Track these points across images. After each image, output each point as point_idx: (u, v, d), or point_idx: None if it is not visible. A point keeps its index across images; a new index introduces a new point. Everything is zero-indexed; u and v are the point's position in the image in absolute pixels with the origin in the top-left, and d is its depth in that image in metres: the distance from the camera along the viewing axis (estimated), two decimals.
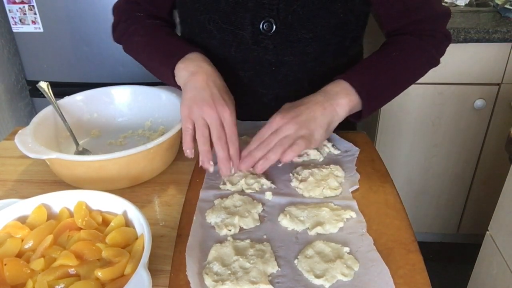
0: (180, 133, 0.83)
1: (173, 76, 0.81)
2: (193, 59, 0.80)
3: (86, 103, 0.92)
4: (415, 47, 0.84)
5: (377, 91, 0.80)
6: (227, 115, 0.73)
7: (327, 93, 0.77)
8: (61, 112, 0.85)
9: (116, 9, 0.94)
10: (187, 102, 0.74)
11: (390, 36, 0.88)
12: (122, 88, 0.94)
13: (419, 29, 0.84)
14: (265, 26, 0.82)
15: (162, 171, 0.82)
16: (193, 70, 0.77)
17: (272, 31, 0.83)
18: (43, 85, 0.87)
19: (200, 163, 0.73)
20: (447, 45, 0.87)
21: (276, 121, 0.74)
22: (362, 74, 0.80)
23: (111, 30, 0.94)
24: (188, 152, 0.74)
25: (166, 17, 0.94)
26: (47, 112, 0.85)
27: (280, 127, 0.73)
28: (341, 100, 0.76)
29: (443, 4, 0.87)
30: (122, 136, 0.92)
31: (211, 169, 0.74)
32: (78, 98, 0.91)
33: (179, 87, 0.82)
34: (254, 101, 0.93)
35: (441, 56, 0.87)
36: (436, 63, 0.87)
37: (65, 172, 0.76)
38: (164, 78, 0.85)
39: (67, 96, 0.90)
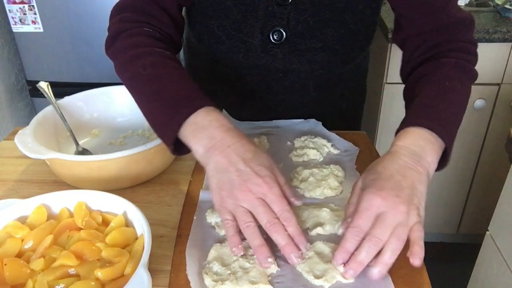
0: None
1: (175, 137, 0.65)
2: (203, 126, 0.63)
3: (86, 103, 0.92)
4: (459, 67, 0.75)
5: (453, 127, 0.69)
6: (267, 191, 0.58)
7: (411, 150, 0.63)
8: (61, 112, 0.85)
9: (116, 12, 0.78)
10: (216, 191, 0.61)
11: (416, 64, 0.79)
12: (122, 88, 0.93)
13: (444, 40, 0.77)
14: (275, 35, 0.81)
15: (162, 171, 0.82)
16: (207, 145, 0.62)
17: (282, 40, 0.81)
18: (43, 85, 0.87)
19: (259, 263, 0.59)
20: (477, 53, 0.79)
21: (376, 205, 0.57)
22: (433, 114, 0.67)
23: (107, 41, 0.77)
24: (236, 250, 0.60)
25: (174, 30, 0.80)
26: (47, 112, 0.85)
27: (384, 212, 0.57)
28: (429, 157, 0.63)
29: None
30: (122, 136, 0.92)
31: (273, 267, 0.59)
32: (78, 98, 0.91)
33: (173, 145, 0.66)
34: (260, 105, 0.93)
35: (475, 67, 0.79)
36: (476, 77, 0.79)
37: (65, 172, 0.76)
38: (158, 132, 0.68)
39: (67, 96, 0.90)
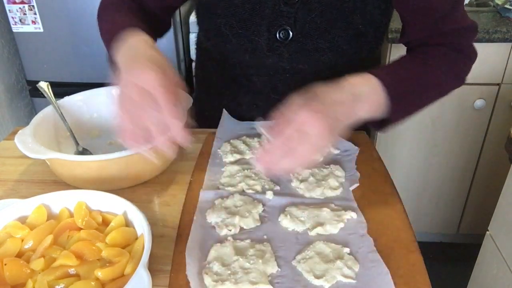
0: None
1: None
2: (126, 40, 0.69)
3: (86, 103, 0.92)
4: (447, 58, 0.77)
5: (408, 98, 0.71)
6: (140, 75, 0.59)
7: (354, 93, 0.66)
8: (61, 112, 0.85)
9: None
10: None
11: (413, 47, 0.83)
12: None
13: (447, 42, 0.78)
14: (282, 34, 0.81)
15: (162, 171, 0.82)
16: (125, 53, 0.67)
17: (288, 39, 0.81)
18: (43, 85, 0.87)
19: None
20: (473, 64, 0.81)
21: (303, 118, 0.61)
22: (395, 75, 0.70)
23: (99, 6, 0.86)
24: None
25: (159, 12, 0.87)
26: (47, 112, 0.85)
27: (305, 125, 0.60)
28: (365, 104, 0.66)
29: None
30: None
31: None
32: (78, 98, 0.91)
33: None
34: (265, 105, 0.93)
35: (466, 75, 0.81)
36: (462, 82, 0.80)
37: (65, 172, 0.76)
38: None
39: (67, 96, 0.90)
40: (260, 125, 0.67)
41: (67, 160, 0.72)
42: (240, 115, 0.94)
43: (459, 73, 0.80)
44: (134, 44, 0.67)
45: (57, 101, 0.86)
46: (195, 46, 1.05)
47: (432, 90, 0.77)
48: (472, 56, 0.81)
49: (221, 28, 0.83)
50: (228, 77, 0.93)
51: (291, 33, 0.81)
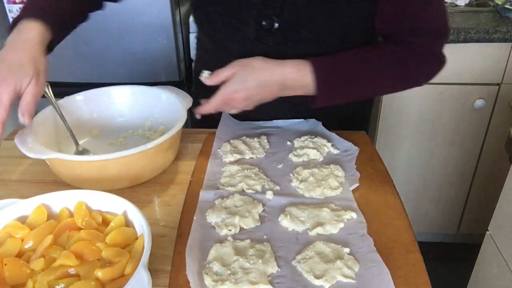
0: (180, 133, 0.83)
1: None
2: (16, 30, 0.75)
3: (86, 103, 0.92)
4: (402, 56, 0.80)
5: (338, 90, 0.81)
6: None
7: (283, 83, 0.78)
8: (61, 112, 0.85)
9: None
10: None
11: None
12: (122, 88, 0.94)
13: (410, 42, 0.80)
14: (267, 23, 0.82)
15: (162, 171, 0.82)
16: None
17: (274, 28, 0.82)
18: None
19: None
20: (439, 69, 0.82)
21: (229, 96, 0.77)
22: (333, 66, 0.80)
23: None
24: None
25: None
26: (47, 112, 0.85)
27: (230, 101, 0.78)
28: (291, 92, 0.80)
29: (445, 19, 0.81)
30: (122, 136, 0.92)
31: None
32: (78, 98, 0.91)
33: None
34: None
35: (427, 79, 0.83)
36: (416, 83, 0.83)
37: (65, 172, 0.76)
38: None
39: (67, 96, 0.90)
40: (203, 75, 0.80)
41: (67, 160, 0.72)
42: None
43: (412, 74, 0.81)
44: (12, 44, 0.74)
45: (57, 101, 0.86)
46: (196, 40, 1.06)
47: (371, 84, 0.82)
48: (434, 59, 0.81)
49: (211, 15, 0.86)
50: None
51: (276, 23, 0.82)
